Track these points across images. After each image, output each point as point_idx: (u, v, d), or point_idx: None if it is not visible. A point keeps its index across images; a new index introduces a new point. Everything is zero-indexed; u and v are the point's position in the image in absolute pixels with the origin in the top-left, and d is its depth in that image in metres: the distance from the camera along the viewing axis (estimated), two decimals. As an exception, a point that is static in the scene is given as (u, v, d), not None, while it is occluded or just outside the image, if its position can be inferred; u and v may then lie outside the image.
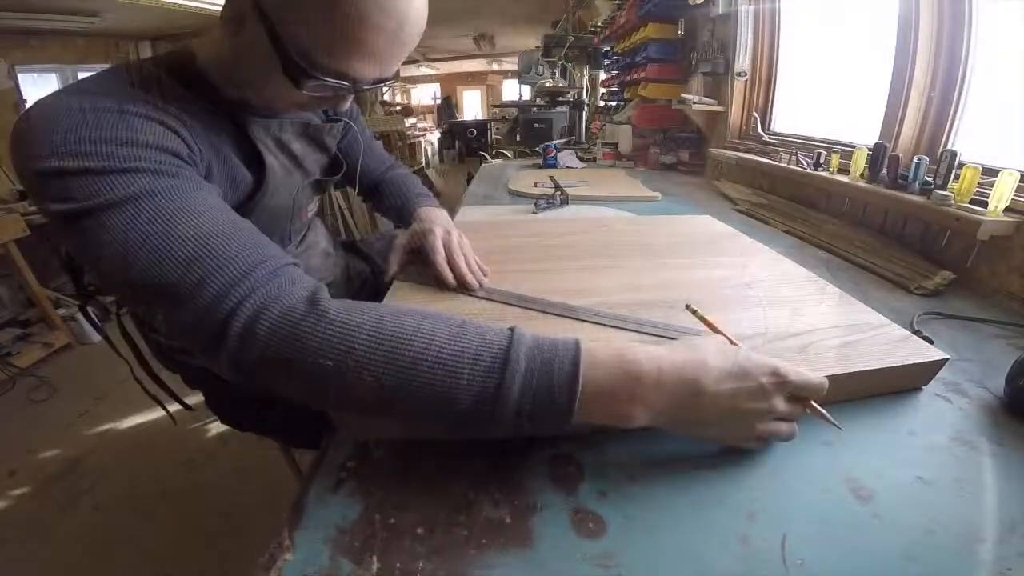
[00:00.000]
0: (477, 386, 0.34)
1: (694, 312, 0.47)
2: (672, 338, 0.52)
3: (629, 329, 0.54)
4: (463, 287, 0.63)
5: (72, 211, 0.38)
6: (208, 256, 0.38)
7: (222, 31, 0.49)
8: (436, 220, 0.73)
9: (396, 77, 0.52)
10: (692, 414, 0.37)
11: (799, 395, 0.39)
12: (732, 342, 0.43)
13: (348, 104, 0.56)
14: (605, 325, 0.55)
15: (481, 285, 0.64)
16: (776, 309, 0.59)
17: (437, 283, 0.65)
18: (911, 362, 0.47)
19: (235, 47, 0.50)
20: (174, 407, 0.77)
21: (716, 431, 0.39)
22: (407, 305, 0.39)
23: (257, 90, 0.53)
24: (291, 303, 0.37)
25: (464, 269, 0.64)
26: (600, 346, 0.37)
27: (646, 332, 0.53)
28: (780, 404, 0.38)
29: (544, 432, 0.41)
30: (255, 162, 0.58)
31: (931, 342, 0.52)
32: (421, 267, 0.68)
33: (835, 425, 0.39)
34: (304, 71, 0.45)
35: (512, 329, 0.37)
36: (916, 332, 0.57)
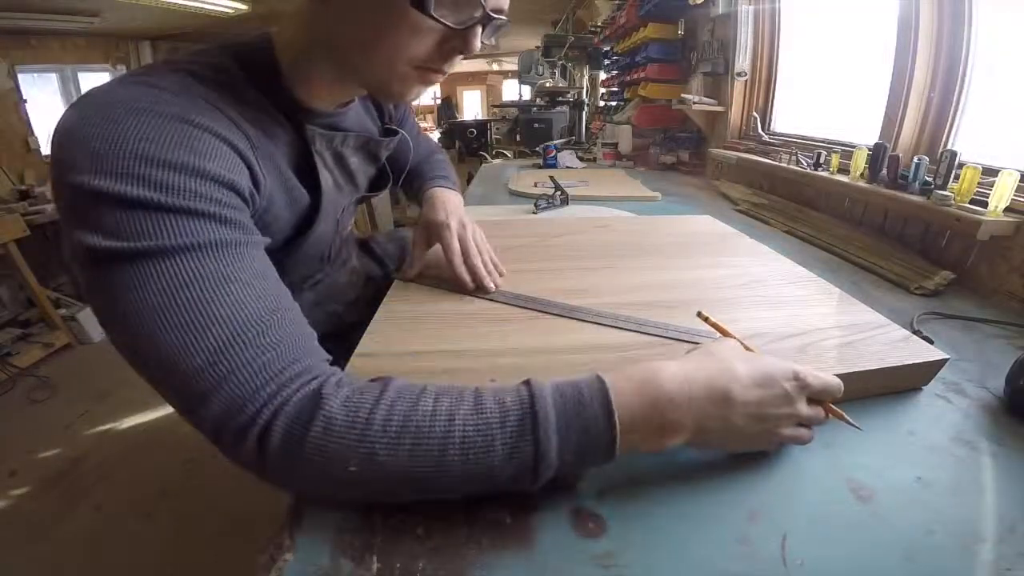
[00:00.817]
0: (515, 454, 0.32)
1: (706, 319, 0.46)
2: (672, 338, 0.52)
3: (630, 329, 0.54)
4: (480, 290, 0.62)
5: (102, 250, 0.33)
6: (241, 347, 0.33)
7: (307, 7, 0.45)
8: (450, 209, 0.69)
9: (507, 19, 0.47)
10: (723, 425, 0.36)
11: (818, 398, 0.38)
12: (746, 347, 0.42)
13: (478, 42, 0.45)
14: (606, 326, 0.55)
15: (498, 286, 0.63)
16: (776, 309, 0.59)
17: (451, 284, 0.64)
18: (911, 362, 0.47)
19: (330, 17, 0.44)
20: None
21: (744, 440, 0.38)
22: (404, 380, 0.36)
23: (366, 58, 0.44)
24: (299, 409, 0.33)
25: (482, 271, 0.63)
26: (621, 375, 0.35)
27: (646, 332, 0.53)
28: (804, 408, 0.37)
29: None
30: (308, 176, 0.54)
31: (931, 342, 0.52)
32: (434, 268, 0.68)
33: (854, 426, 0.39)
34: None
35: (528, 383, 0.35)
36: (916, 332, 0.57)
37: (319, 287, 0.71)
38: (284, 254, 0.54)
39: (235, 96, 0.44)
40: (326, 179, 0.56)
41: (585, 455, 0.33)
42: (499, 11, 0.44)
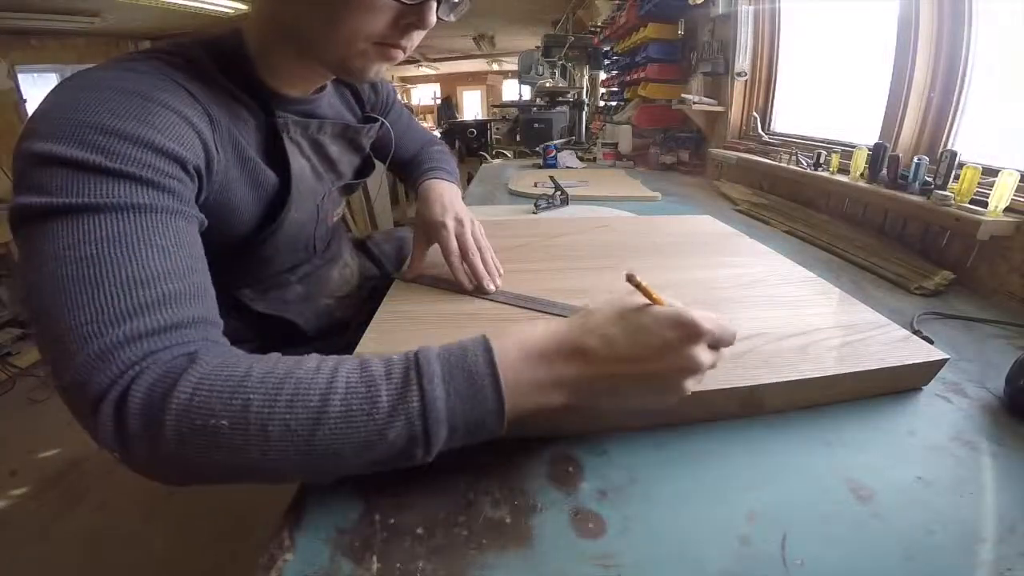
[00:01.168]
0: (400, 406, 0.31)
1: (637, 285, 0.37)
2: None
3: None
4: (479, 290, 0.62)
5: (32, 206, 0.34)
6: (130, 310, 0.32)
7: None
8: (446, 203, 0.68)
9: None
10: (606, 383, 0.35)
11: (718, 345, 0.36)
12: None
13: (433, 17, 0.46)
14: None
15: (497, 287, 0.63)
16: (776, 309, 0.59)
17: (451, 284, 0.63)
18: (911, 362, 0.47)
19: (289, 2, 0.46)
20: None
21: (637, 397, 0.36)
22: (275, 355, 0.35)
23: (326, 37, 0.45)
24: (168, 367, 0.31)
25: (481, 271, 0.62)
26: (499, 334, 0.35)
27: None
28: (704, 356, 0.34)
29: (481, 438, 0.35)
30: (279, 162, 0.55)
31: (931, 342, 0.52)
32: (433, 268, 0.67)
33: None
34: None
35: (416, 349, 0.34)
36: (916, 332, 0.57)
37: (308, 280, 0.71)
38: (268, 233, 0.56)
39: (204, 80, 0.46)
40: (301, 166, 0.57)
41: (474, 412, 0.32)
42: None
